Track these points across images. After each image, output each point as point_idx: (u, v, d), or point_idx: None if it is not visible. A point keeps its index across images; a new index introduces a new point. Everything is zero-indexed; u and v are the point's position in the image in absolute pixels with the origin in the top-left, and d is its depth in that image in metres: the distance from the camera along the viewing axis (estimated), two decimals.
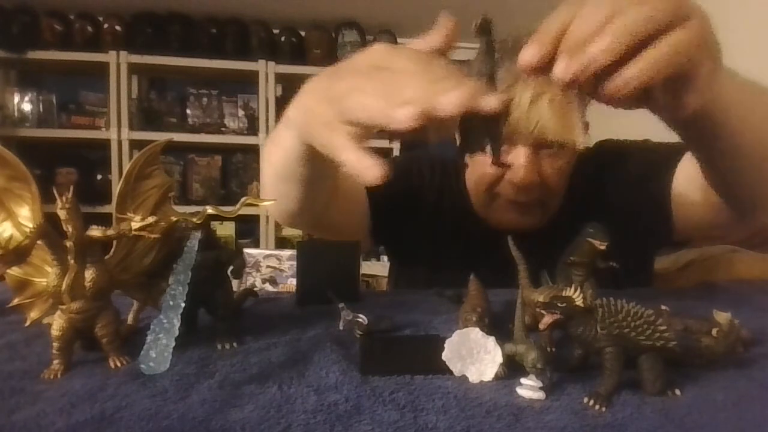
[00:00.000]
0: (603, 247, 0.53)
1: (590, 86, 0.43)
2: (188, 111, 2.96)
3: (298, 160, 0.62)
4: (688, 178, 0.82)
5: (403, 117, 0.38)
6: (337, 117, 0.44)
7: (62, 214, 0.44)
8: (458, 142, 0.44)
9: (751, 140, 0.58)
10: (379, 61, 0.44)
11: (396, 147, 2.99)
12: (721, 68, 0.47)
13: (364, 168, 0.41)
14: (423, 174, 0.99)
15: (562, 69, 0.40)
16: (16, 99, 2.84)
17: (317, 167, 0.64)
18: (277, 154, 0.65)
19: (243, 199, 0.52)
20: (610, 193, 0.90)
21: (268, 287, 1.74)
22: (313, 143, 0.50)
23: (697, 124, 0.54)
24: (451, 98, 0.37)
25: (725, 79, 0.49)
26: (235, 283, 0.57)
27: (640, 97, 0.49)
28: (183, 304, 0.45)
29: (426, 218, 0.97)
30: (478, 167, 0.88)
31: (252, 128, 2.95)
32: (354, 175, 0.42)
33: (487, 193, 0.88)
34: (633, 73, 0.40)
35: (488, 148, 0.43)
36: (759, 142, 0.59)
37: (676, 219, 0.87)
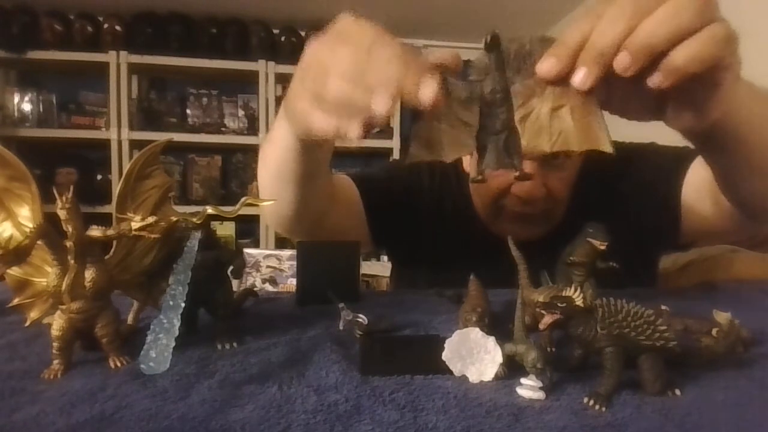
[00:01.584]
0: (603, 247, 0.53)
1: (601, 97, 0.43)
2: (188, 111, 2.97)
3: (290, 152, 0.62)
4: (698, 184, 0.82)
5: (378, 105, 0.38)
6: (307, 91, 0.44)
7: (62, 214, 0.44)
8: (477, 160, 0.44)
9: (761, 143, 0.58)
10: (345, 29, 0.44)
11: (396, 148, 3.00)
12: (739, 78, 0.47)
13: (336, 127, 0.41)
14: (422, 177, 0.99)
15: (581, 78, 0.41)
16: (16, 99, 2.84)
17: (310, 161, 0.65)
18: (272, 152, 0.66)
19: (243, 199, 0.52)
20: (616, 197, 0.90)
21: (268, 287, 1.74)
22: (293, 121, 0.51)
23: (713, 134, 0.53)
24: (427, 90, 0.37)
25: (742, 89, 0.49)
26: (235, 283, 0.57)
27: (655, 108, 0.49)
28: (183, 304, 0.45)
29: (426, 221, 0.96)
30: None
31: (252, 128, 2.96)
32: (330, 137, 0.42)
33: (493, 205, 0.87)
34: (677, 63, 0.40)
35: (508, 163, 0.43)
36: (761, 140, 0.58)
37: (684, 223, 0.87)
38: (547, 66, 0.42)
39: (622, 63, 0.40)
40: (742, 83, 0.50)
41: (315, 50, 0.45)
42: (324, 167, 0.72)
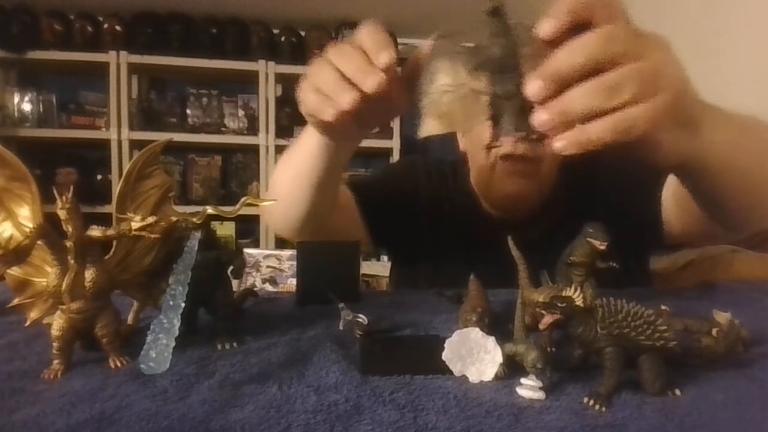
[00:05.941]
0: (603, 247, 0.53)
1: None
2: (188, 111, 2.96)
3: (314, 155, 0.68)
4: (676, 191, 0.83)
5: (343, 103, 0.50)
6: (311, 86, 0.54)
7: (62, 214, 0.44)
8: (492, 128, 0.45)
9: (736, 175, 0.59)
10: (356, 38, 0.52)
11: (396, 148, 3.00)
12: (699, 127, 0.49)
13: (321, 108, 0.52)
14: (418, 178, 1.01)
15: (560, 146, 0.43)
16: (16, 99, 2.84)
17: (330, 164, 0.70)
18: (296, 154, 0.73)
19: (243, 199, 0.52)
20: (605, 193, 0.91)
21: (268, 287, 1.74)
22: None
23: (677, 168, 0.56)
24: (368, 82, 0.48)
25: (706, 129, 0.50)
26: (235, 283, 0.57)
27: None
28: (183, 304, 0.45)
29: (424, 221, 0.98)
30: (476, 137, 0.90)
31: (252, 128, 2.95)
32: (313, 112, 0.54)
33: (486, 156, 0.89)
34: (574, 137, 0.42)
35: (526, 126, 0.43)
36: (742, 176, 0.59)
37: (667, 225, 0.89)
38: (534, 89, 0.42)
39: (539, 120, 0.42)
40: (710, 118, 0.51)
41: (327, 53, 0.53)
42: (339, 174, 0.76)
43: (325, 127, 0.61)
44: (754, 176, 0.59)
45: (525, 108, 0.42)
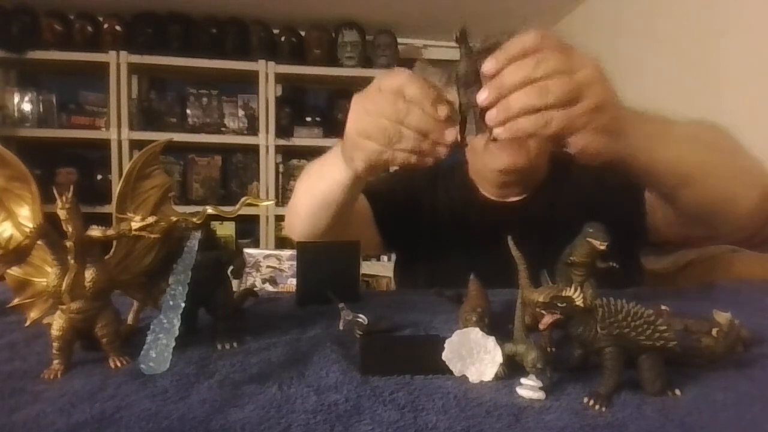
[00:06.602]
0: (603, 247, 0.53)
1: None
2: (188, 111, 2.96)
3: (340, 186, 0.74)
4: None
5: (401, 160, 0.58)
6: (378, 139, 0.59)
7: (62, 214, 0.44)
8: (460, 132, 0.56)
9: (673, 171, 0.65)
10: (397, 86, 0.57)
11: None
12: (625, 131, 0.57)
13: (407, 157, 0.58)
14: (419, 182, 1.06)
15: (499, 132, 0.53)
16: (16, 99, 2.83)
17: (352, 194, 0.77)
18: (320, 184, 0.78)
19: (243, 199, 0.52)
20: (594, 187, 0.93)
21: (268, 287, 1.74)
22: (356, 156, 0.64)
23: (618, 166, 0.61)
24: (440, 151, 0.57)
25: (631, 132, 0.58)
26: (235, 283, 0.57)
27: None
28: (183, 304, 0.45)
29: (427, 221, 1.02)
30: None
31: (252, 128, 2.95)
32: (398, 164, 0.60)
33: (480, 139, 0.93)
34: (508, 127, 0.52)
35: (484, 129, 0.54)
36: (681, 172, 0.65)
37: (652, 223, 0.90)
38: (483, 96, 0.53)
39: (489, 116, 0.53)
40: (632, 123, 0.58)
41: (379, 103, 0.58)
42: (358, 196, 0.85)
43: (374, 166, 0.64)
44: (697, 173, 0.66)
45: (484, 113, 0.53)
